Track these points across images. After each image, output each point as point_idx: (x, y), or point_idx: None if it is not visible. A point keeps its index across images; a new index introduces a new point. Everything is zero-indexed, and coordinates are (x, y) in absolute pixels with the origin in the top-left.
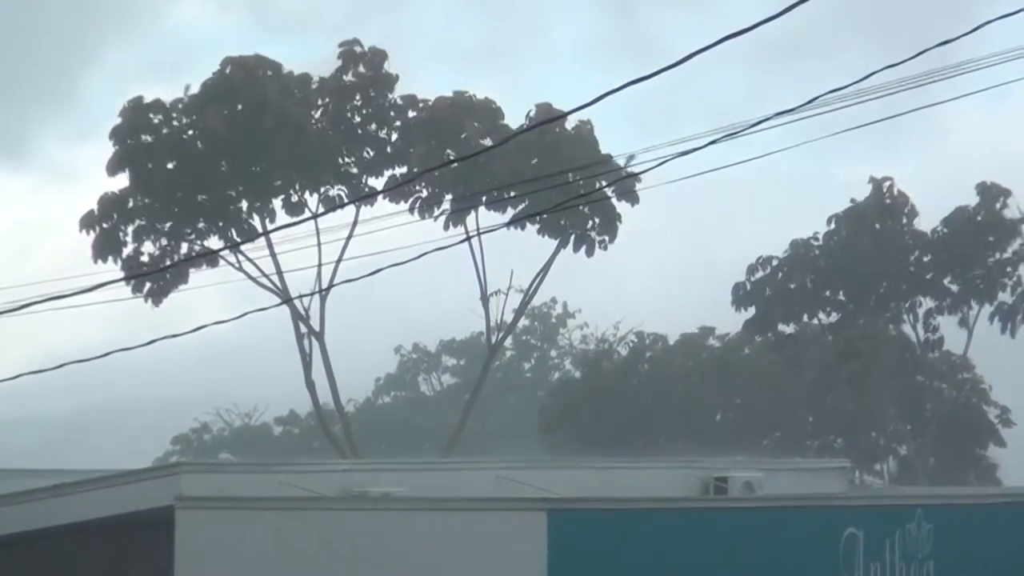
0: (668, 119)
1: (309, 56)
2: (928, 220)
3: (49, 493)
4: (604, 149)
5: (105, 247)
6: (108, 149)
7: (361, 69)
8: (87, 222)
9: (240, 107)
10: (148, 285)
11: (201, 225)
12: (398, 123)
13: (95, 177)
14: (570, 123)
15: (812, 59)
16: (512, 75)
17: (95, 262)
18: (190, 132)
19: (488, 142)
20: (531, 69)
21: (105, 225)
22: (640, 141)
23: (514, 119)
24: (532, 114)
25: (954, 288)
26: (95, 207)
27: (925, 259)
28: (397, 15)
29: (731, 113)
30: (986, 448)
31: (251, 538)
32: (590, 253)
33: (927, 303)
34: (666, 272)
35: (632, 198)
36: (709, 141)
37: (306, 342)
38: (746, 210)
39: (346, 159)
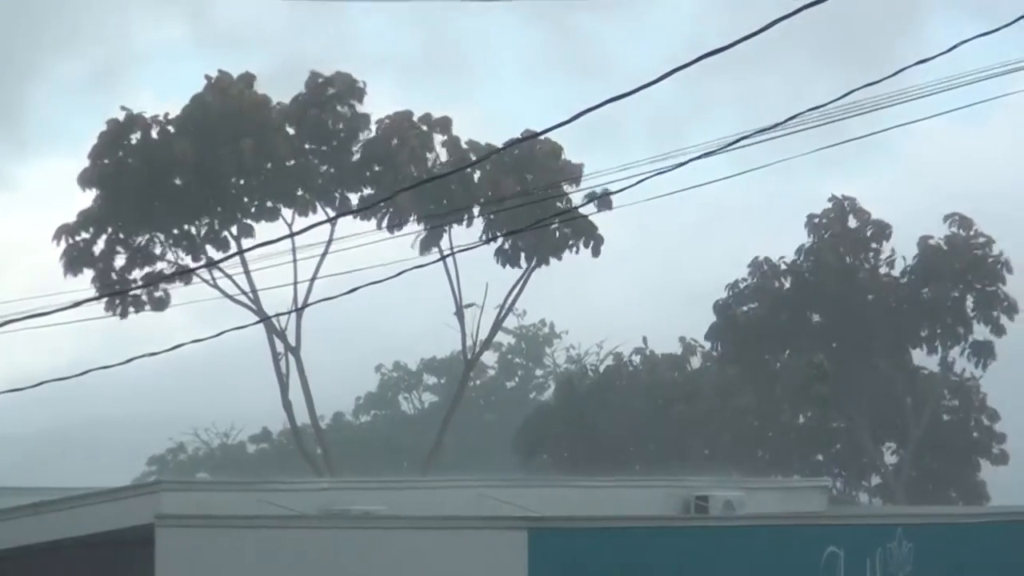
0: (609, 126)
1: (252, 70)
2: (899, 241)
3: (29, 511)
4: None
5: (77, 260)
6: (54, 165)
7: (331, 90)
8: (62, 233)
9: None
10: (116, 300)
11: (183, 242)
12: (369, 133)
13: (45, 193)
14: (537, 141)
15: (749, 67)
16: (452, 89)
17: (66, 276)
18: (165, 150)
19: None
20: (471, 82)
21: (79, 237)
22: (583, 148)
23: (461, 133)
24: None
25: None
26: (72, 219)
27: (894, 304)
28: (334, 31)
29: (670, 120)
30: (978, 467)
31: (231, 556)
32: (559, 258)
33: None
34: (648, 290)
35: (605, 204)
36: (688, 159)
37: (283, 362)
38: (723, 227)
39: (321, 168)
